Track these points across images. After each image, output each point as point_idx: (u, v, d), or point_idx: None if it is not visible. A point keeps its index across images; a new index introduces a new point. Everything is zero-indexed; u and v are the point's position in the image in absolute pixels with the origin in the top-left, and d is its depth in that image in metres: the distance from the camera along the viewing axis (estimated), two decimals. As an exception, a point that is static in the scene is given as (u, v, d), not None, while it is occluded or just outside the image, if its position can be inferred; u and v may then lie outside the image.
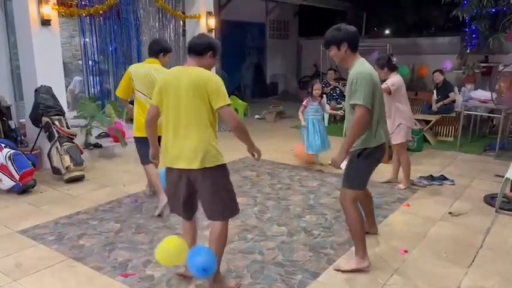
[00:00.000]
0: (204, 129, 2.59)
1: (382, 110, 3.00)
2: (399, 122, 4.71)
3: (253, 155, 2.86)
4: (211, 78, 2.59)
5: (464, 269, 3.11)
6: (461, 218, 4.09)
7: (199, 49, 2.67)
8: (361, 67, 2.86)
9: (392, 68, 4.70)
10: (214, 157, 2.61)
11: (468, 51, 9.04)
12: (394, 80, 4.65)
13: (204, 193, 2.67)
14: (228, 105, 2.58)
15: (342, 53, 2.90)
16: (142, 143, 3.93)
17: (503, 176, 4.25)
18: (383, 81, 4.75)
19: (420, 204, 4.41)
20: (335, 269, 3.08)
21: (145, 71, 4.10)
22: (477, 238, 3.62)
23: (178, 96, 2.58)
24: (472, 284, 2.93)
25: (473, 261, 3.23)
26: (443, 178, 5.14)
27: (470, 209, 4.26)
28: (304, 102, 5.75)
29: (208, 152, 2.58)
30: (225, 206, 2.71)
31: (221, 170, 2.67)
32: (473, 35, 8.85)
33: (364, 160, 2.95)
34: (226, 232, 2.77)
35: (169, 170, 2.72)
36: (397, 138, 4.76)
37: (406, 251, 3.37)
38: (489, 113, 7.06)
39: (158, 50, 4.20)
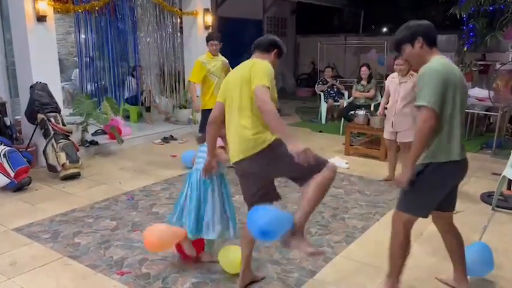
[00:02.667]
0: (250, 117, 2.44)
1: (459, 117, 2.39)
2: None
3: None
4: (257, 61, 2.53)
5: (461, 267, 3.11)
6: (458, 215, 4.05)
7: (264, 45, 2.67)
8: (432, 62, 2.38)
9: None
10: (263, 142, 2.42)
11: (465, 49, 9.03)
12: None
13: (263, 172, 2.53)
14: (263, 85, 2.34)
15: (418, 50, 2.45)
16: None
17: (500, 174, 4.24)
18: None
19: (417, 202, 4.40)
20: None
21: None
22: (474, 236, 3.62)
23: (235, 88, 2.53)
24: (469, 281, 2.92)
25: (470, 259, 3.23)
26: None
27: (467, 207, 4.26)
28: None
29: (256, 139, 2.43)
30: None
31: (273, 148, 2.43)
32: (471, 33, 8.84)
33: (426, 179, 2.40)
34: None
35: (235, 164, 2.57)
36: (411, 136, 4.74)
37: (403, 249, 3.36)
38: (486, 111, 7.07)
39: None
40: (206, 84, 5.38)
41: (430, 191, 2.46)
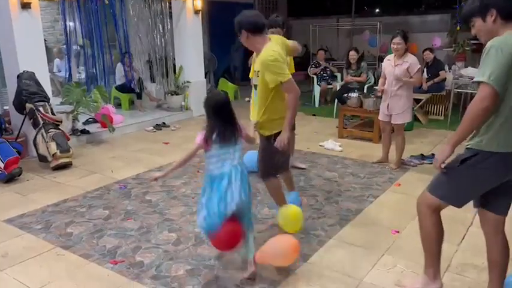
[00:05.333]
0: None
1: None
2: (410, 101, 4.77)
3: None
4: None
5: (454, 246, 3.12)
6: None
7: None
8: (502, 36, 2.02)
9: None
10: None
11: (458, 28, 8.98)
12: (415, 58, 4.67)
13: None
14: None
15: (490, 24, 2.08)
16: None
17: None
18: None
19: (411, 184, 4.41)
20: (396, 285, 2.64)
21: None
22: (467, 216, 3.62)
23: None
24: (462, 261, 2.93)
25: (463, 238, 3.24)
26: (434, 157, 5.13)
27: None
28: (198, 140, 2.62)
29: None
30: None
31: None
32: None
33: (471, 168, 2.13)
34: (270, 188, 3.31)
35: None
36: (405, 118, 4.75)
37: (397, 231, 3.36)
38: (479, 90, 7.02)
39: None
40: None
41: (472, 182, 2.16)
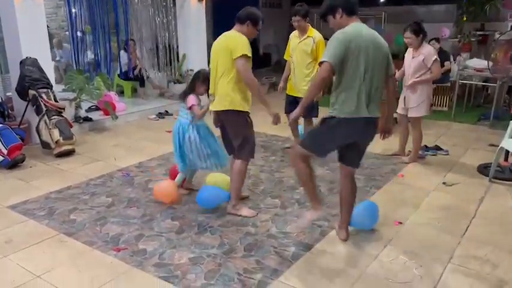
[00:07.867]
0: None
1: (361, 78, 2.68)
2: (426, 96, 4.58)
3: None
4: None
5: (457, 238, 3.12)
6: (455, 187, 4.08)
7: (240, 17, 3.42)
8: (344, 28, 2.70)
9: (425, 36, 4.60)
10: None
11: (465, 19, 8.89)
12: (431, 49, 4.59)
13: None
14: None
15: (338, 19, 2.76)
16: None
17: (497, 146, 4.23)
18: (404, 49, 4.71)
19: (414, 175, 4.40)
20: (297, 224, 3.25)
21: None
22: (470, 207, 3.62)
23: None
24: (465, 253, 2.93)
25: (466, 230, 3.24)
26: (437, 148, 5.12)
27: (464, 179, 4.26)
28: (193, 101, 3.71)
29: None
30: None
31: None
32: (470, 2, 8.68)
33: (326, 128, 2.82)
34: (242, 169, 3.41)
35: None
36: (420, 111, 4.60)
37: (400, 222, 3.36)
38: (484, 81, 6.98)
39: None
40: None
41: (328, 137, 2.83)
